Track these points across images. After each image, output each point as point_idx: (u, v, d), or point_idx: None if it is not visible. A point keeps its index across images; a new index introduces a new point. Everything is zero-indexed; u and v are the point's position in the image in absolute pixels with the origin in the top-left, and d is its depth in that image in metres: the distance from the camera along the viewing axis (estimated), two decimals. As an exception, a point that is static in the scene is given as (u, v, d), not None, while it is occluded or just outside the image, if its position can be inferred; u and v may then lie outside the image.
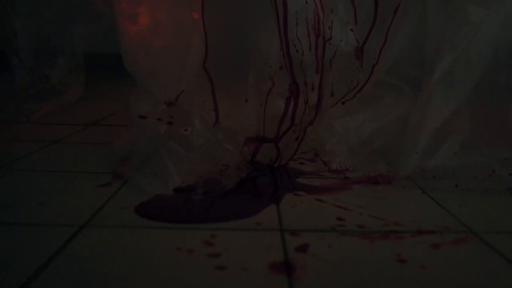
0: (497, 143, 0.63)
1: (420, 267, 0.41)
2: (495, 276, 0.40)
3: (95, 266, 0.41)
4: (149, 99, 0.68)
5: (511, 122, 0.63)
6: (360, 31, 0.68)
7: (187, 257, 0.42)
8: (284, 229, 0.48)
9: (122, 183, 0.61)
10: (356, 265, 0.41)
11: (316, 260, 0.42)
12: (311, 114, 0.67)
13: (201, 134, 0.66)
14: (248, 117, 0.71)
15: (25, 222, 0.49)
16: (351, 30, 0.67)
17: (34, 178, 0.64)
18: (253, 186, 0.63)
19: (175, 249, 0.43)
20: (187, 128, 0.66)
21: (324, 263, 0.41)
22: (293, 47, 0.63)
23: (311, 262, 0.42)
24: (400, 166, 0.65)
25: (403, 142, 0.65)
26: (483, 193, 0.60)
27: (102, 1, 1.15)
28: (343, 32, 0.67)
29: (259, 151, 0.69)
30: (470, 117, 0.65)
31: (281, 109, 0.68)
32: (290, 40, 0.62)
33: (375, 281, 0.39)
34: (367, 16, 0.68)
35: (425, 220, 0.51)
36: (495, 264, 0.42)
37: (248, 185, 0.62)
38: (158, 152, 0.63)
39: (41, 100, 1.09)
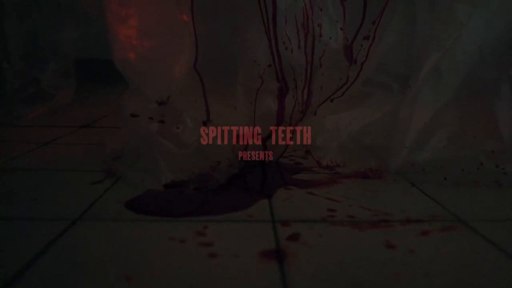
0: (484, 136, 0.64)
1: (409, 251, 0.41)
2: (482, 259, 0.41)
3: (88, 255, 0.41)
4: (140, 98, 0.69)
5: (497, 116, 0.65)
6: (350, 29, 0.69)
7: (179, 246, 0.42)
8: (276, 220, 0.49)
9: (115, 180, 0.62)
10: (346, 251, 0.42)
11: (307, 247, 0.43)
12: (300, 111, 0.68)
13: (192, 131, 0.67)
14: (239, 116, 0.71)
15: (19, 216, 0.49)
16: (341, 28, 0.68)
17: (27, 176, 0.64)
18: (245, 181, 0.63)
19: (167, 239, 0.44)
20: (179, 126, 0.66)
21: (315, 250, 0.42)
22: (282, 45, 0.64)
23: (302, 249, 0.42)
24: (389, 161, 0.66)
25: (392, 138, 0.66)
26: (471, 185, 0.61)
27: (92, 5, 1.16)
28: (333, 30, 0.68)
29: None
30: (457, 112, 0.66)
31: (270, 107, 0.68)
32: (279, 37, 0.63)
33: (364, 265, 0.39)
34: (356, 14, 0.69)
35: (414, 210, 0.52)
36: (482, 248, 0.43)
37: (240, 181, 0.63)
38: (150, 150, 0.63)
39: (32, 104, 1.09)
